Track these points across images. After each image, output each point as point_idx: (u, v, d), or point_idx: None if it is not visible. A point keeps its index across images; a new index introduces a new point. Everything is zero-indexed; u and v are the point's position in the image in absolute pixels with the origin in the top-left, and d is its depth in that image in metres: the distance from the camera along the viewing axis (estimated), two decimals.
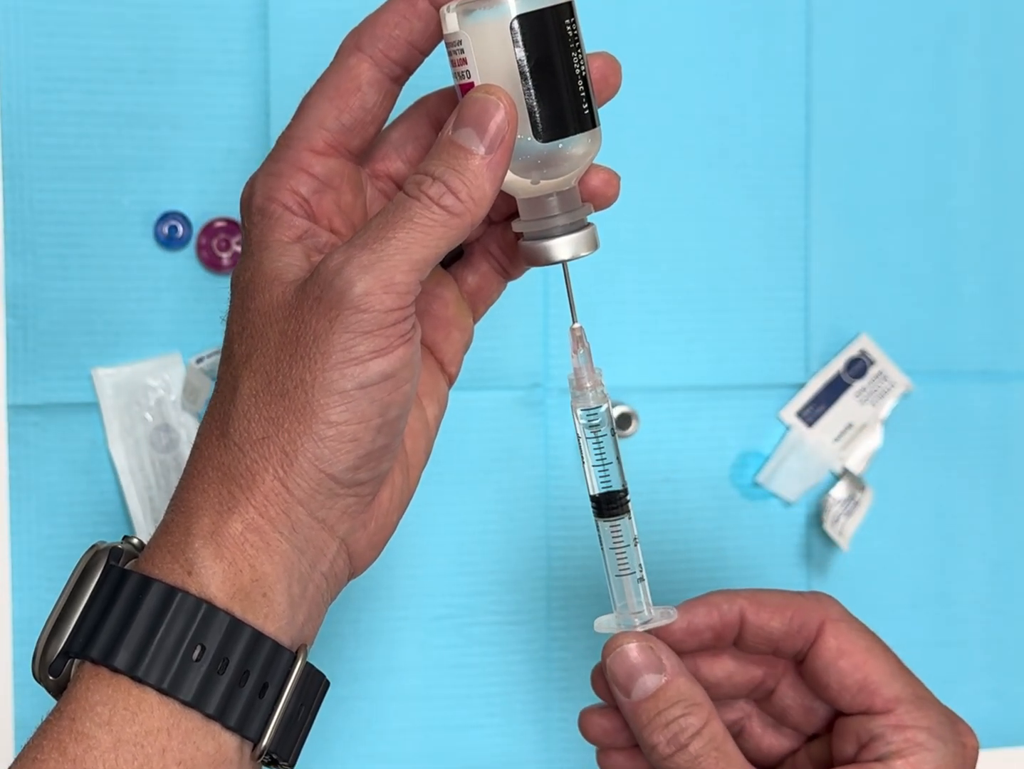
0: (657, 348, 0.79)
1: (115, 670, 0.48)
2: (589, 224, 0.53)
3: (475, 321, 0.58)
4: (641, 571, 0.56)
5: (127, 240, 0.74)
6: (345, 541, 0.52)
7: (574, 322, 0.55)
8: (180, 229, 0.74)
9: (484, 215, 0.50)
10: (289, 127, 0.54)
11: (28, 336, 0.73)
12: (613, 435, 0.55)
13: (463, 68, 0.51)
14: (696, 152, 0.79)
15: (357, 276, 0.48)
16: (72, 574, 0.51)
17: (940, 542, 0.82)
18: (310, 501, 0.50)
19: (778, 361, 0.80)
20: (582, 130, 0.51)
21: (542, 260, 0.53)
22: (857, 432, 0.81)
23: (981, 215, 0.82)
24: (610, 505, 0.55)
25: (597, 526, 0.56)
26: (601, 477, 0.55)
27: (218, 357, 0.74)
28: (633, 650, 0.56)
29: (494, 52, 0.50)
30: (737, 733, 0.61)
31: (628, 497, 0.56)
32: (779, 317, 0.80)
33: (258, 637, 0.49)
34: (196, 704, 0.48)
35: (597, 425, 0.55)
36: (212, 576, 0.49)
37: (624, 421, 0.78)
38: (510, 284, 0.77)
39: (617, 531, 0.55)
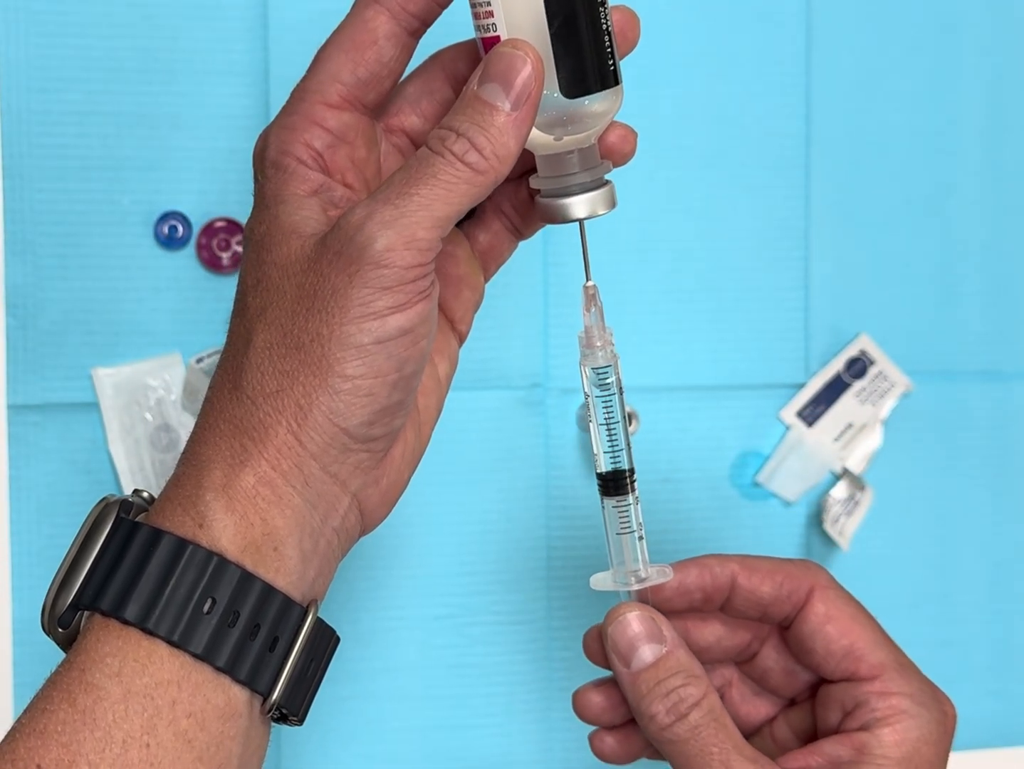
0: (657, 348, 0.79)
1: (125, 622, 0.48)
2: (607, 182, 0.53)
3: (486, 280, 0.58)
4: (640, 529, 0.56)
5: (127, 240, 0.74)
6: (357, 497, 0.52)
7: (588, 280, 0.54)
8: (180, 229, 0.74)
9: (508, 173, 0.50)
10: (303, 80, 0.53)
11: (28, 336, 0.73)
12: (621, 395, 0.55)
13: (488, 21, 0.50)
14: (696, 152, 0.79)
15: (379, 232, 0.48)
16: (82, 526, 0.51)
17: (940, 542, 0.82)
18: (323, 455, 0.50)
19: (778, 361, 0.80)
20: (607, 87, 0.51)
21: (559, 218, 0.52)
22: (857, 432, 0.81)
23: (981, 215, 0.82)
24: (617, 483, 0.56)
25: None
26: (608, 439, 0.55)
27: (219, 357, 0.74)
28: (635, 620, 0.56)
29: (521, 5, 0.49)
30: None
31: (635, 478, 0.56)
32: (779, 317, 0.80)
33: (269, 591, 0.49)
34: (206, 657, 0.48)
35: (608, 384, 0.55)
36: (223, 529, 0.49)
37: None
38: (509, 284, 0.77)
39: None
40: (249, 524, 0.49)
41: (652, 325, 0.79)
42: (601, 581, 0.57)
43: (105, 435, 0.74)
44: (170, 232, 0.74)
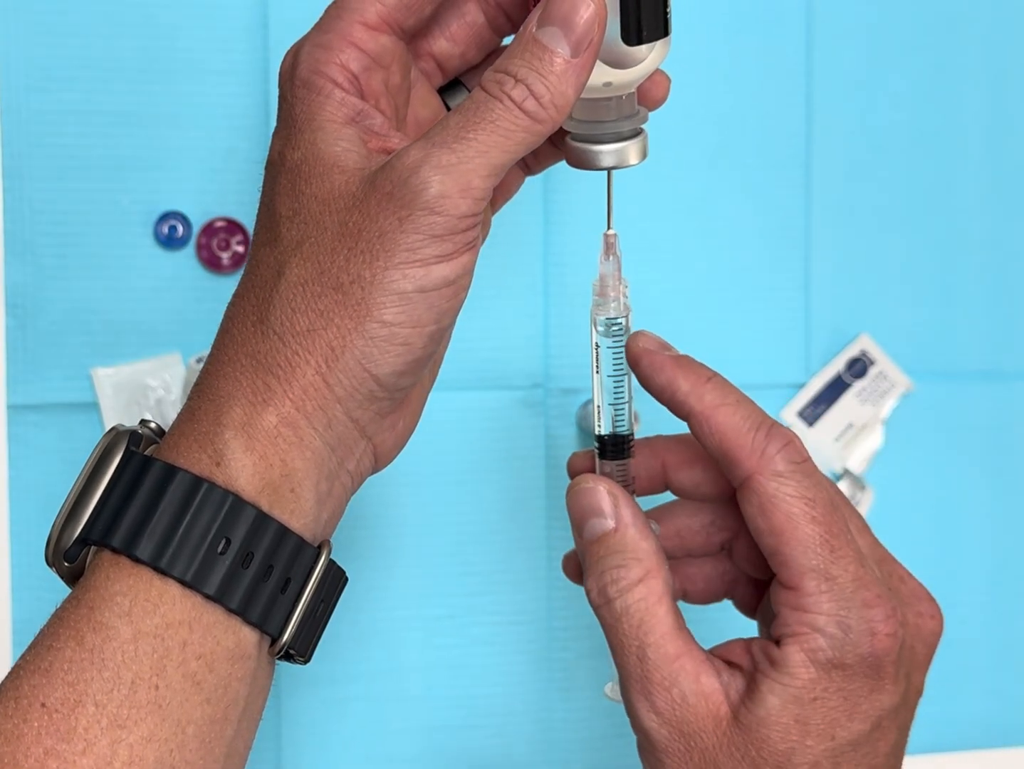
0: None
1: (137, 560, 0.47)
2: (642, 131, 0.52)
3: (492, 214, 0.57)
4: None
5: (127, 240, 0.74)
6: (372, 440, 0.51)
7: (608, 228, 0.54)
8: (180, 229, 0.74)
9: (563, 121, 0.49)
10: None
11: (28, 336, 0.73)
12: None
13: None
14: (697, 152, 0.79)
15: (434, 176, 0.47)
16: (90, 457, 0.50)
17: (940, 542, 0.82)
18: (349, 400, 0.49)
19: (778, 361, 0.80)
20: (664, 35, 0.49)
21: (589, 165, 0.51)
22: (858, 432, 0.81)
23: (982, 215, 0.82)
24: (618, 447, 0.57)
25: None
26: (616, 389, 0.56)
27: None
28: (589, 492, 0.55)
29: None
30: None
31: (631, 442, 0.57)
32: (779, 317, 0.80)
33: (284, 532, 0.48)
34: (219, 598, 0.47)
35: (620, 336, 0.55)
36: (241, 469, 0.48)
37: None
38: (508, 284, 0.77)
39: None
40: (268, 465, 0.48)
41: (652, 325, 0.79)
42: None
43: None
44: (170, 232, 0.74)
